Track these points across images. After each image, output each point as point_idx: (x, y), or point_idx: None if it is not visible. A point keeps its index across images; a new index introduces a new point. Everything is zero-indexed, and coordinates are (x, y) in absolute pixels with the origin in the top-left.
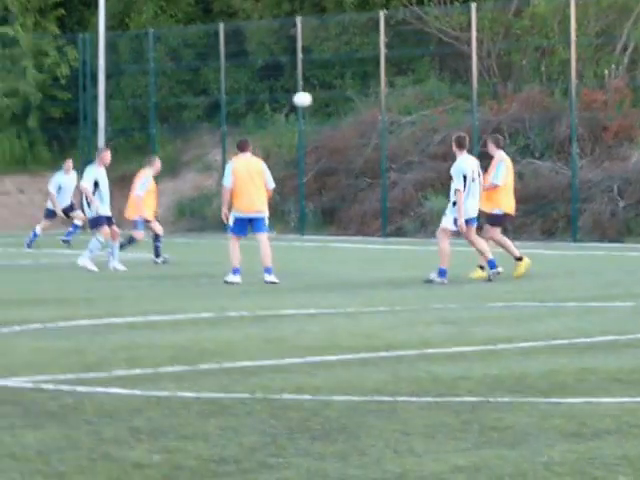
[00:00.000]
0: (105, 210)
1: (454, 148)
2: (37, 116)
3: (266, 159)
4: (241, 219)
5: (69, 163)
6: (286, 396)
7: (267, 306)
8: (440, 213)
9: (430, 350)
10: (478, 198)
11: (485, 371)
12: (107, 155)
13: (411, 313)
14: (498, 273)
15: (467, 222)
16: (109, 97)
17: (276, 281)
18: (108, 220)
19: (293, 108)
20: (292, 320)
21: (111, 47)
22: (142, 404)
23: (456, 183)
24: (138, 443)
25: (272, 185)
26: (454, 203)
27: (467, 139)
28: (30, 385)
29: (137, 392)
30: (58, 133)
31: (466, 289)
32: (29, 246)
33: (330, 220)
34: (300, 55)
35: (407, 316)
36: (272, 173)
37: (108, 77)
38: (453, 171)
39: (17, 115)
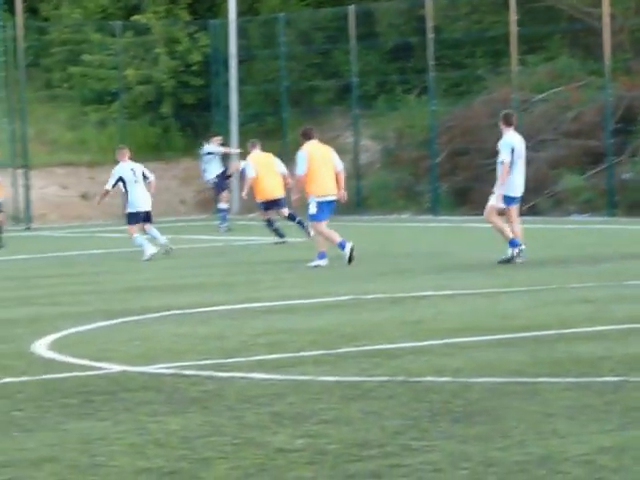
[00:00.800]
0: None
1: (501, 125)
2: (170, 103)
3: (399, 140)
4: (322, 203)
5: (218, 140)
6: (427, 378)
7: (403, 288)
8: (575, 191)
9: (569, 330)
10: (524, 177)
11: (626, 350)
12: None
13: (549, 293)
14: (520, 252)
15: (512, 200)
16: (241, 82)
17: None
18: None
19: (424, 89)
20: (429, 302)
21: (242, 32)
22: (283, 389)
23: (502, 155)
24: (281, 428)
25: (341, 165)
26: None
27: (514, 117)
28: (172, 371)
29: (278, 377)
30: (191, 119)
31: (603, 267)
32: (226, 228)
33: (464, 200)
34: (430, 35)
35: (545, 296)
36: (404, 154)
37: (239, 62)
38: (500, 145)
39: (151, 102)
